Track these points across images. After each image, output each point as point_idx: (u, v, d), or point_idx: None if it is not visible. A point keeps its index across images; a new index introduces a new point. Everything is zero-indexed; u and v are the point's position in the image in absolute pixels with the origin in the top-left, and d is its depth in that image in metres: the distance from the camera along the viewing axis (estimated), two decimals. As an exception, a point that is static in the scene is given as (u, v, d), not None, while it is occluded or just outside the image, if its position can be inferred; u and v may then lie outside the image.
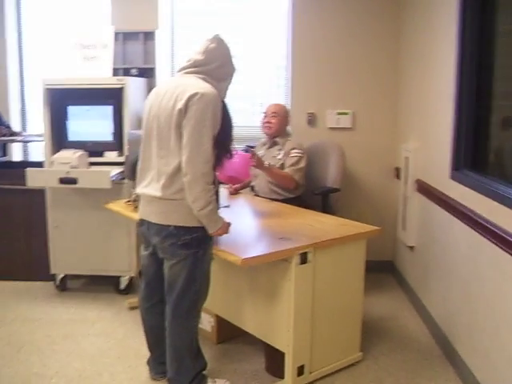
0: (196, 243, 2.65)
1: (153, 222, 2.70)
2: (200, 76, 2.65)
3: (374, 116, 4.70)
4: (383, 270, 4.76)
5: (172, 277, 2.73)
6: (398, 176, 4.49)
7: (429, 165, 3.77)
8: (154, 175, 2.66)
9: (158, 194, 2.62)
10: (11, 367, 3.23)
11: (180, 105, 2.53)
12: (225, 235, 2.77)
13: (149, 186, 2.69)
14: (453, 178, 3.22)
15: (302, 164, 3.99)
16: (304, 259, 2.82)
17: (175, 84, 2.66)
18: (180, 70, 2.74)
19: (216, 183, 2.72)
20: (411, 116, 4.25)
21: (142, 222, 2.81)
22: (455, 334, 3.20)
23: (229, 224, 2.77)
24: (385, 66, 4.64)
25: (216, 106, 2.57)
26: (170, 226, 2.63)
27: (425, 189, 3.78)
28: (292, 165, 3.97)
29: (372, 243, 4.38)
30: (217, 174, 2.78)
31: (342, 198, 4.36)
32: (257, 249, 2.81)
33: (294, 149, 4.01)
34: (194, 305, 2.77)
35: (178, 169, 2.56)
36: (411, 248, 4.13)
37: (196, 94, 2.52)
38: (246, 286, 3.12)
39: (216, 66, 2.67)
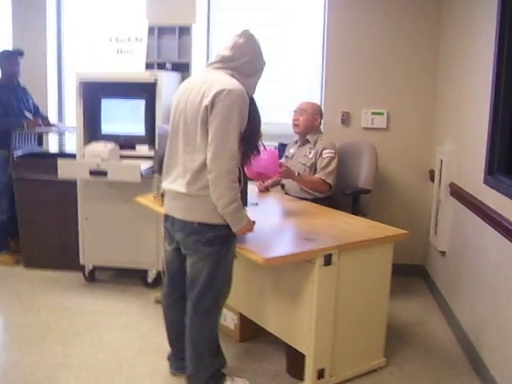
0: (220, 241, 2.63)
1: (177, 217, 2.69)
2: (228, 72, 2.62)
3: (410, 117, 4.60)
4: (414, 274, 4.67)
5: (194, 273, 2.72)
6: (432, 179, 4.39)
7: (463, 168, 3.67)
8: (180, 171, 2.64)
9: (183, 190, 2.61)
10: (35, 355, 3.28)
11: (206, 101, 2.50)
12: (249, 233, 2.75)
13: (174, 182, 2.68)
14: (486, 182, 3.12)
15: (334, 165, 3.92)
16: (328, 261, 2.77)
17: (202, 80, 2.63)
18: (208, 66, 2.72)
19: (242, 181, 2.68)
20: (448, 117, 4.15)
21: (166, 218, 2.80)
22: (482, 343, 3.11)
23: (253, 222, 2.74)
24: (422, 65, 4.53)
25: (243, 103, 2.54)
26: (193, 222, 2.61)
27: (458, 193, 3.68)
28: (323, 168, 3.91)
29: (403, 247, 4.31)
30: (244, 171, 2.77)
31: (374, 200, 4.28)
32: (280, 248, 2.78)
33: (325, 149, 3.95)
34: (215, 302, 2.75)
35: (204, 165, 2.54)
36: (443, 253, 4.03)
37: (223, 90, 2.49)
38: (269, 285, 3.09)
39: (244, 61, 2.64)
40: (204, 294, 2.71)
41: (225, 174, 2.50)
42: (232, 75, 2.61)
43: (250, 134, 2.64)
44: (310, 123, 4.07)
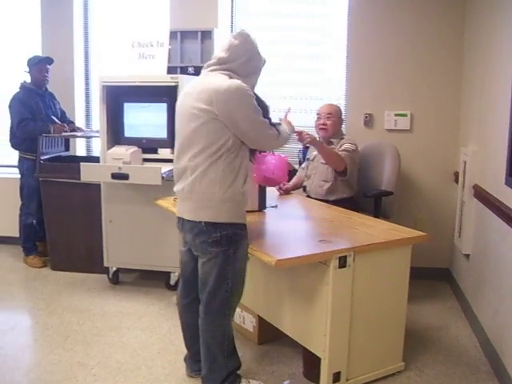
0: (226, 241, 2.64)
1: (186, 218, 2.72)
2: (225, 73, 2.64)
3: (434, 118, 4.54)
4: (439, 277, 4.60)
5: (204, 275, 2.74)
6: (457, 181, 4.32)
7: (486, 170, 3.60)
8: (187, 173, 2.67)
9: (190, 190, 2.65)
10: (57, 354, 3.33)
11: (208, 105, 2.55)
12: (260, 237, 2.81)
13: (183, 184, 2.70)
14: (508, 184, 3.05)
15: (352, 150, 3.90)
16: (343, 263, 2.75)
17: (200, 83, 2.67)
18: (205, 68, 2.74)
19: (249, 176, 2.77)
20: (472, 119, 4.08)
21: (178, 220, 2.82)
22: (505, 348, 3.03)
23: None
24: (446, 66, 4.47)
25: (246, 90, 2.59)
26: (201, 222, 2.64)
27: (481, 195, 3.61)
28: (344, 150, 3.89)
29: (428, 250, 4.29)
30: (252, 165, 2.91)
31: (398, 202, 4.24)
32: (294, 250, 2.75)
33: (346, 143, 3.94)
34: (225, 303, 2.75)
35: (211, 163, 2.58)
36: (467, 256, 3.96)
37: (225, 91, 2.53)
38: (286, 287, 3.08)
39: (241, 62, 2.67)
40: (215, 294, 2.72)
41: (275, 139, 2.80)
42: (229, 76, 2.63)
43: None
44: (337, 127, 4.07)
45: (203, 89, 2.60)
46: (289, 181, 4.11)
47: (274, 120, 2.94)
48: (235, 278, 2.73)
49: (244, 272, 2.80)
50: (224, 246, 2.65)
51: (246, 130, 2.61)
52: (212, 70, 2.69)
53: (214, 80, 2.61)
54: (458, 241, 4.16)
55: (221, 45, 2.72)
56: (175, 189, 2.78)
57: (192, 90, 2.69)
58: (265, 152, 3.14)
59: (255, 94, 2.71)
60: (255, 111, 2.62)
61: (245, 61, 2.67)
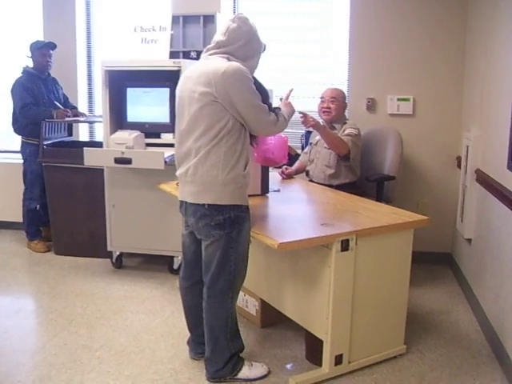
0: (229, 223, 2.66)
1: (189, 202, 2.73)
2: (223, 56, 2.65)
3: (437, 103, 4.53)
4: (441, 262, 4.62)
5: (208, 257, 2.76)
6: (459, 165, 4.32)
7: (488, 154, 3.60)
8: (189, 157, 2.68)
9: (192, 173, 2.67)
10: (61, 338, 3.37)
11: (207, 88, 2.56)
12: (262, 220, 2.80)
13: (184, 168, 2.72)
14: (510, 168, 3.05)
15: (354, 134, 3.90)
16: (345, 246, 2.76)
17: (199, 67, 2.69)
18: (205, 53, 2.75)
19: (250, 160, 2.77)
20: (474, 103, 4.07)
21: (181, 203, 2.84)
22: (505, 332, 3.05)
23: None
24: (449, 50, 4.45)
25: (244, 73, 2.59)
26: (204, 204, 2.66)
27: (483, 179, 3.61)
28: (346, 135, 3.89)
29: (431, 234, 4.31)
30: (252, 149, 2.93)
31: (401, 187, 4.25)
32: (296, 234, 2.76)
33: (347, 128, 3.95)
34: (229, 285, 2.77)
35: (212, 146, 2.60)
36: (468, 240, 3.97)
37: (223, 74, 2.54)
38: (288, 271, 3.09)
39: (239, 45, 2.67)
40: (218, 276, 2.75)
41: (273, 126, 2.77)
42: (228, 59, 2.64)
43: None
44: (340, 111, 4.07)
45: (202, 72, 2.61)
46: (290, 163, 4.11)
47: (275, 104, 2.95)
48: (238, 260, 2.75)
49: (247, 254, 2.82)
50: (227, 228, 2.67)
51: (243, 113, 2.61)
52: (211, 54, 2.69)
53: (212, 63, 2.62)
54: (460, 225, 4.17)
55: (219, 29, 2.73)
56: (177, 173, 2.79)
57: (191, 74, 2.70)
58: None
59: (255, 78, 2.72)
60: (252, 94, 2.62)
61: (243, 44, 2.67)
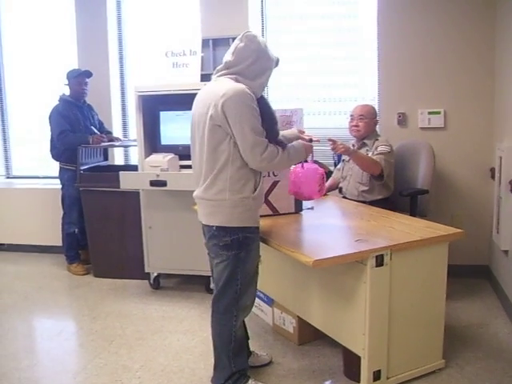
0: (237, 245, 2.71)
1: (202, 222, 2.81)
2: (231, 77, 2.68)
3: (468, 115, 4.51)
4: (479, 275, 4.56)
5: (217, 275, 2.82)
6: (493, 176, 4.28)
7: (522, 165, 3.58)
8: (201, 178, 2.75)
9: (203, 195, 2.74)
10: (102, 358, 3.43)
11: (210, 111, 2.60)
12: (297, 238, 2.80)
13: (199, 189, 2.79)
14: (545, 178, 3.03)
15: (387, 152, 3.89)
16: (380, 262, 2.77)
17: (208, 90, 2.73)
18: (215, 74, 2.79)
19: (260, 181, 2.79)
20: (506, 114, 4.04)
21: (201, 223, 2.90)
22: (547, 344, 3.01)
23: (310, 140, 3.00)
24: (479, 62, 4.44)
25: (244, 98, 2.58)
26: (213, 226, 2.72)
27: (518, 190, 3.59)
28: (379, 153, 3.88)
29: (467, 247, 4.28)
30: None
31: (434, 201, 4.23)
32: (330, 250, 2.78)
33: (380, 146, 3.95)
34: (233, 303, 2.80)
35: (218, 170, 2.64)
36: (505, 252, 3.92)
37: (222, 96, 2.56)
38: (323, 287, 3.11)
39: (247, 64, 2.68)
40: (223, 294, 2.80)
41: (259, 162, 2.63)
42: (236, 79, 2.66)
43: (266, 135, 2.69)
44: (370, 128, 4.08)
45: (208, 95, 2.66)
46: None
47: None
48: (245, 279, 2.79)
49: (254, 273, 2.86)
50: (235, 249, 2.71)
51: (236, 138, 2.60)
52: (220, 76, 2.73)
53: (218, 85, 2.66)
54: (496, 237, 4.13)
55: (229, 48, 2.77)
56: (194, 194, 2.86)
57: (200, 98, 2.76)
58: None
59: (265, 100, 2.75)
60: (247, 121, 2.58)
61: (251, 63, 2.68)
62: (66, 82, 4.98)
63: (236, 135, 2.59)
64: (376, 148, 3.95)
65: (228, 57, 2.73)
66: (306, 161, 3.16)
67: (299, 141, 2.97)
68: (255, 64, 2.69)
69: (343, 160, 4.23)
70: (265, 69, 2.74)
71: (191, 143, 2.86)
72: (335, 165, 4.58)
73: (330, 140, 3.62)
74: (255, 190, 2.71)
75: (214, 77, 2.80)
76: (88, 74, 4.98)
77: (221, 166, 2.64)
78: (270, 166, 2.71)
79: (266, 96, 2.89)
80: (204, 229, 2.84)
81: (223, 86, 2.62)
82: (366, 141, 4.06)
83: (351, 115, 4.13)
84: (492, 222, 4.29)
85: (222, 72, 2.73)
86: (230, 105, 2.55)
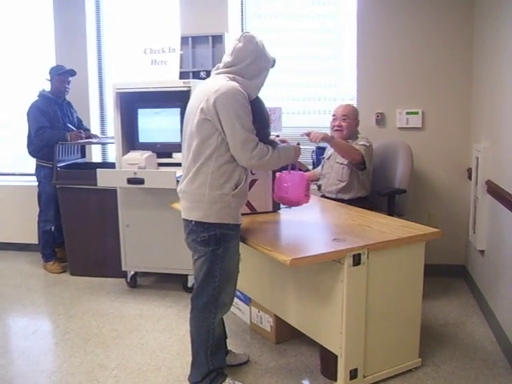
0: (214, 241, 2.71)
1: (182, 217, 2.82)
2: (229, 76, 2.71)
3: (446, 115, 4.54)
4: (456, 274, 4.61)
5: (195, 271, 2.84)
6: (470, 177, 4.32)
7: (498, 165, 3.61)
8: (185, 173, 2.77)
9: (185, 189, 2.75)
10: (78, 357, 3.40)
11: (202, 104, 2.62)
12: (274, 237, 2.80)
13: (181, 184, 2.81)
14: (520, 178, 3.07)
15: (365, 144, 3.91)
16: (357, 261, 2.78)
17: (203, 86, 2.76)
18: (214, 71, 2.82)
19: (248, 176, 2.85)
20: (483, 115, 4.08)
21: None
22: (521, 343, 3.04)
23: (297, 144, 3.02)
24: (456, 63, 4.48)
25: (237, 96, 2.61)
26: (191, 221, 2.73)
27: (494, 190, 3.62)
28: (359, 145, 3.90)
29: (444, 247, 4.32)
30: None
31: (412, 200, 4.24)
32: (308, 249, 2.79)
33: (361, 141, 3.97)
34: (211, 300, 2.80)
35: (201, 164, 2.66)
36: (481, 252, 3.96)
37: (215, 92, 2.59)
38: (301, 286, 3.11)
39: (245, 64, 2.72)
40: (202, 291, 2.80)
41: (249, 159, 2.65)
42: (233, 78, 2.69)
43: (257, 135, 2.71)
44: (353, 129, 4.09)
45: (203, 90, 2.69)
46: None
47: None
48: (223, 276, 2.79)
49: (234, 271, 2.87)
50: (212, 245, 2.72)
51: (226, 134, 2.62)
52: (218, 73, 2.76)
53: (214, 82, 2.69)
54: (472, 237, 4.17)
55: (227, 48, 2.79)
56: (177, 188, 2.87)
57: (195, 93, 2.80)
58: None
59: (260, 101, 2.79)
60: (238, 117, 2.60)
61: (249, 63, 2.72)
62: (48, 78, 4.92)
63: (226, 131, 2.61)
64: (356, 144, 3.95)
65: (227, 57, 2.76)
66: (294, 165, 3.18)
67: (288, 143, 3.03)
68: (253, 64, 2.74)
69: (323, 158, 4.23)
70: (262, 69, 2.79)
71: (182, 137, 2.86)
72: (313, 164, 4.59)
73: (305, 134, 3.64)
74: (236, 187, 2.71)
75: (212, 73, 2.83)
76: (72, 73, 4.93)
77: (204, 159, 2.65)
78: (260, 163, 2.70)
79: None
80: (183, 224, 2.83)
81: (218, 82, 2.66)
82: (348, 141, 4.06)
83: (333, 115, 4.12)
84: (468, 221, 4.33)
85: (221, 70, 2.76)
86: (221, 101, 2.58)
